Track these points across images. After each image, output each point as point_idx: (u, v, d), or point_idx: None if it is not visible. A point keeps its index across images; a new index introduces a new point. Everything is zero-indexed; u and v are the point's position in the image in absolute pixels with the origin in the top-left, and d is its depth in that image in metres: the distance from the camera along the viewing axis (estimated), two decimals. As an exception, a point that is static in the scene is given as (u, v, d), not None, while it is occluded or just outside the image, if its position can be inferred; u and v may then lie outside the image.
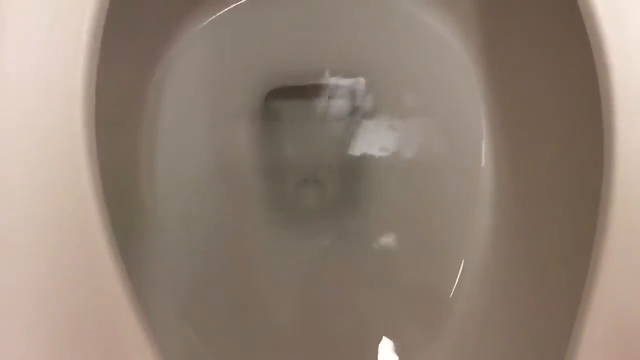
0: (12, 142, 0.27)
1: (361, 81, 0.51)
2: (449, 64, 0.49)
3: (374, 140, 0.50)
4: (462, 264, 0.47)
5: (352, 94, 0.51)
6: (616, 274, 0.28)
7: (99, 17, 0.27)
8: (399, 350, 0.46)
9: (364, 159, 0.50)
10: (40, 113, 0.27)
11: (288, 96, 0.52)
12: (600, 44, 0.29)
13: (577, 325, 0.28)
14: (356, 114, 0.51)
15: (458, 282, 0.47)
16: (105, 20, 0.28)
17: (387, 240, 0.50)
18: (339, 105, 0.52)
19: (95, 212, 0.26)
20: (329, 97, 0.52)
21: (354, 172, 0.51)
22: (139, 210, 0.44)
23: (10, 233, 0.26)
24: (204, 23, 0.48)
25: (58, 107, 0.27)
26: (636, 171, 0.28)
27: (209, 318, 0.46)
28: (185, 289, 0.46)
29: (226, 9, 0.48)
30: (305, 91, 0.52)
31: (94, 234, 0.26)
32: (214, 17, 0.48)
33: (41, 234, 0.26)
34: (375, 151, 0.50)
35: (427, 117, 0.50)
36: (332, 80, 0.51)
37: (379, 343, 0.47)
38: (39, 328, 0.26)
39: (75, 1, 0.28)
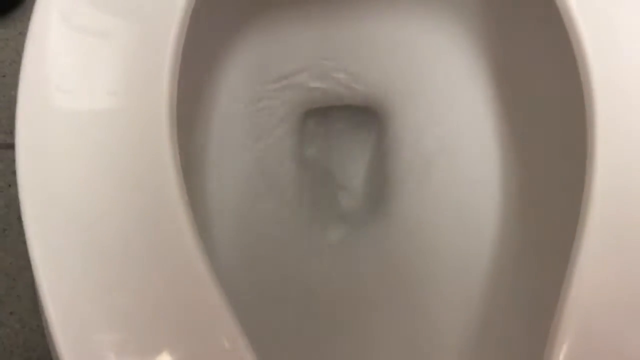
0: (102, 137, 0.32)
1: (389, 102, 0.55)
2: (470, 89, 0.53)
3: (401, 155, 0.55)
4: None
5: (382, 113, 0.56)
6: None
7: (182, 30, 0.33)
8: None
9: (394, 171, 0.55)
10: (128, 112, 0.32)
11: (326, 114, 0.58)
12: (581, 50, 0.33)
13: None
14: (385, 132, 0.56)
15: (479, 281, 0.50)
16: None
17: (410, 243, 0.53)
18: (370, 122, 0.58)
19: (182, 212, 0.31)
20: (361, 115, 0.58)
21: (382, 183, 0.56)
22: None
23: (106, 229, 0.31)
24: (250, 43, 0.53)
25: (145, 105, 0.32)
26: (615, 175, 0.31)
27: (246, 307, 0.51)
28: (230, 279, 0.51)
29: (271, 31, 0.53)
30: (342, 109, 0.58)
31: (180, 227, 0.31)
32: (259, 36, 0.53)
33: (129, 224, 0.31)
34: (403, 164, 0.55)
35: (448, 134, 0.54)
36: (361, 94, 0.56)
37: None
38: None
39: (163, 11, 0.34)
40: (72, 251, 0.30)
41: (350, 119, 0.59)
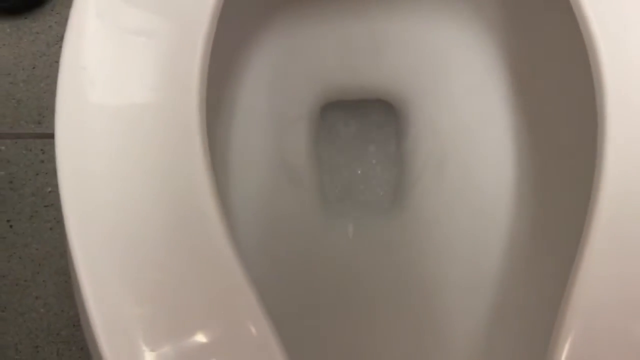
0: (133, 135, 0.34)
1: (405, 97, 0.57)
2: (484, 87, 0.54)
3: (417, 149, 0.57)
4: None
5: (399, 107, 0.58)
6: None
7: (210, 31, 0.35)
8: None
9: (410, 164, 0.57)
10: (160, 109, 0.34)
11: (345, 108, 0.59)
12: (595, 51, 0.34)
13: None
14: (403, 126, 0.58)
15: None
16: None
17: (424, 237, 0.55)
18: (388, 117, 0.59)
19: (214, 211, 0.32)
20: (379, 109, 0.59)
21: (399, 177, 0.58)
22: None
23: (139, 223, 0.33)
24: (270, 39, 0.55)
25: (175, 97, 0.34)
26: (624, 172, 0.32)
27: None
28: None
29: (290, 28, 0.55)
30: (357, 104, 0.59)
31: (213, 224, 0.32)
32: (279, 33, 0.55)
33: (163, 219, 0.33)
34: (419, 158, 0.56)
35: (464, 129, 0.55)
36: (381, 92, 0.58)
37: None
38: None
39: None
40: (109, 240, 0.32)
41: (368, 113, 0.61)
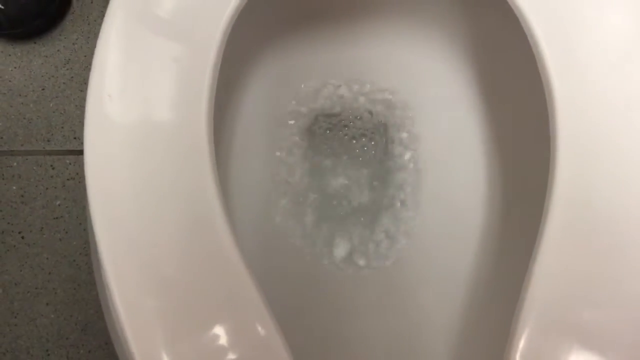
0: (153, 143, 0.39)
1: (390, 116, 0.62)
2: (458, 103, 0.60)
3: (399, 163, 0.61)
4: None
5: (385, 126, 0.63)
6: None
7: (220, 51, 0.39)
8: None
9: (393, 176, 0.62)
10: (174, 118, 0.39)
11: (331, 120, 0.64)
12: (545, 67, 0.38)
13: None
14: (385, 139, 0.63)
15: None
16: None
17: (408, 245, 0.59)
18: (371, 129, 0.64)
19: (220, 212, 0.37)
20: (362, 122, 0.64)
21: (383, 188, 0.62)
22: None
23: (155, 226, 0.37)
24: (266, 63, 0.60)
25: (188, 106, 0.38)
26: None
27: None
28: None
29: (284, 52, 0.60)
30: (346, 118, 0.64)
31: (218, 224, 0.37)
32: (274, 56, 0.60)
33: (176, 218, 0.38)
34: (400, 171, 0.61)
35: (441, 145, 0.60)
36: (365, 109, 0.63)
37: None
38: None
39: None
40: (132, 243, 0.37)
41: (355, 128, 0.65)
